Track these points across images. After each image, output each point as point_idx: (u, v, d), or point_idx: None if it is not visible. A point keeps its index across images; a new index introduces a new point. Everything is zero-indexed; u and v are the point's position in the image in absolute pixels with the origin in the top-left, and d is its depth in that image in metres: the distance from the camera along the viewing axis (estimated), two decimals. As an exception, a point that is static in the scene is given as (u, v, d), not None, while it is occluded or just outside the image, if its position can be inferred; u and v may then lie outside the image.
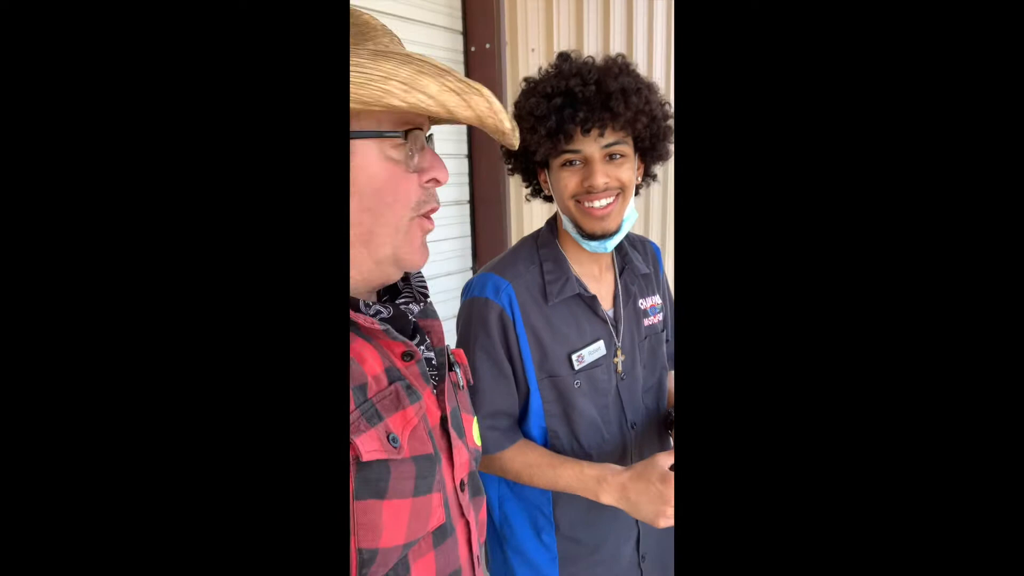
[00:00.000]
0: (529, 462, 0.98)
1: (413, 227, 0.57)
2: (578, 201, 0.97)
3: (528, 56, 2.64)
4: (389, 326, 0.58)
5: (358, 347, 0.57)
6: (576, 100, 0.92)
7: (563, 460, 0.97)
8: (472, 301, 1.01)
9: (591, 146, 0.94)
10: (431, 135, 0.59)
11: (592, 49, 3.02)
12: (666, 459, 0.90)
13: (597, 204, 0.96)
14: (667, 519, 0.88)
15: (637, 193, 1.09)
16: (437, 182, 0.57)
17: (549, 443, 1.04)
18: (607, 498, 0.91)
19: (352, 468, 0.52)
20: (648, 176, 1.08)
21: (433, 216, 0.60)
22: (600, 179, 0.94)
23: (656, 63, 3.68)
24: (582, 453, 1.04)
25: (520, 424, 1.05)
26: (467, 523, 0.66)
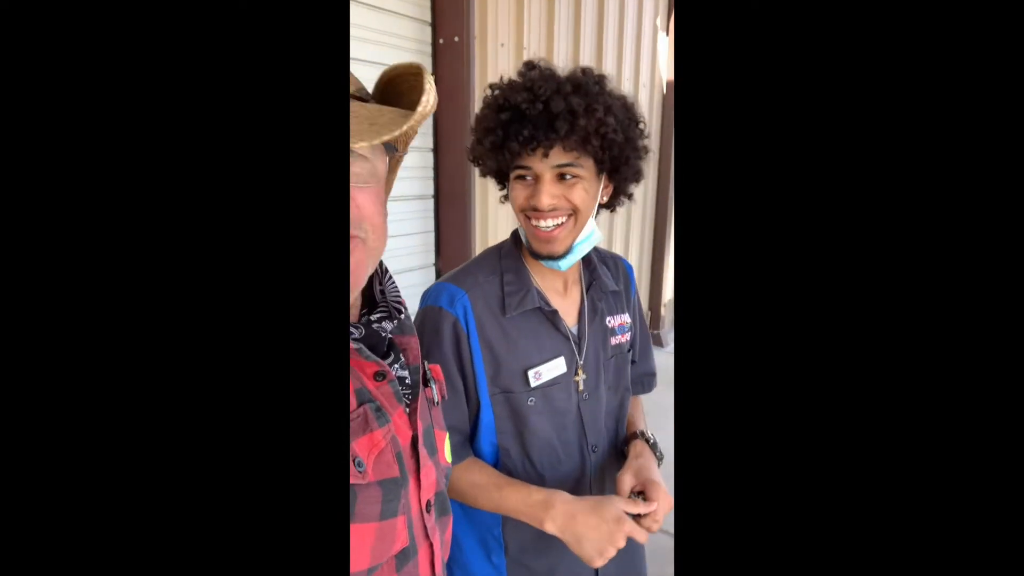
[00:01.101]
0: (475, 482, 0.95)
1: None
2: (527, 217, 0.95)
3: (497, 51, 2.59)
4: (362, 345, 0.57)
5: None
6: (523, 117, 0.89)
7: (510, 482, 0.94)
8: (426, 310, 0.97)
9: (540, 164, 0.91)
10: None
11: (562, 46, 2.98)
12: (621, 503, 0.87)
13: (543, 225, 0.93)
14: (604, 559, 0.85)
15: (612, 209, 1.06)
16: None
17: (500, 461, 1.01)
18: (551, 525, 0.87)
19: None
20: (621, 195, 1.04)
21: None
22: (544, 199, 0.90)
23: (625, 62, 3.68)
24: (535, 474, 1.01)
25: (471, 440, 1.01)
26: (431, 545, 0.65)
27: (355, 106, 0.53)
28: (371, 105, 0.56)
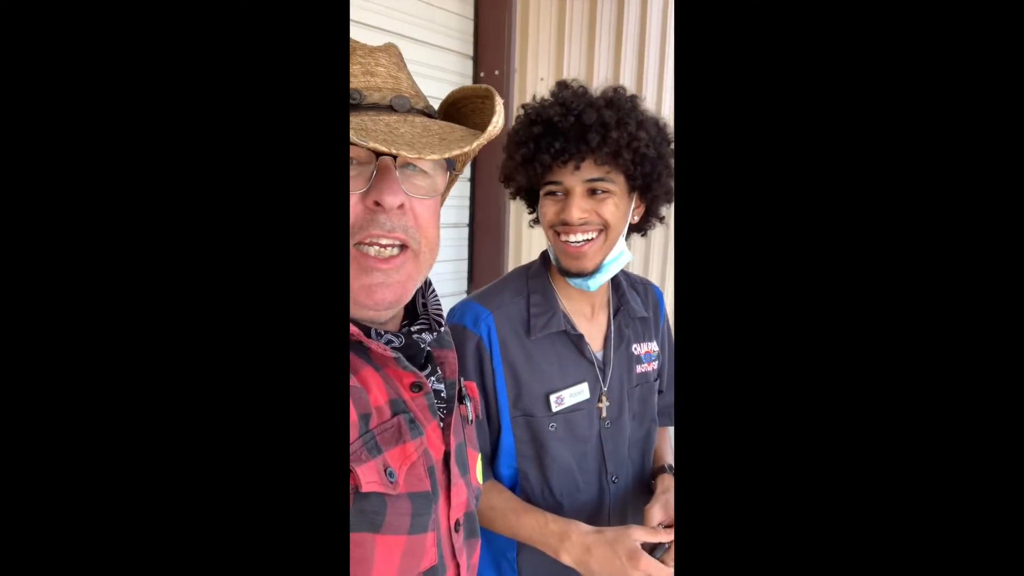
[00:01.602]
0: (492, 505, 0.93)
1: (356, 258, 0.55)
2: (557, 233, 0.94)
3: (537, 84, 2.64)
4: (400, 355, 0.57)
5: (365, 375, 0.56)
6: (555, 130, 0.89)
7: (527, 508, 0.92)
8: (451, 328, 0.97)
9: (571, 178, 0.91)
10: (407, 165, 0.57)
11: (602, 80, 3.02)
12: (639, 533, 0.84)
13: (572, 239, 0.92)
14: None
15: (643, 233, 1.05)
16: (378, 205, 0.54)
17: (519, 485, 0.99)
18: (566, 557, 0.85)
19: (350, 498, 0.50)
20: (653, 216, 1.03)
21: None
22: (575, 213, 0.90)
23: (666, 95, 3.69)
24: (552, 501, 0.98)
25: (491, 462, 1.00)
26: (457, 566, 0.63)
27: (427, 122, 0.56)
28: (442, 122, 0.58)
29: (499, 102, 0.55)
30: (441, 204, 0.64)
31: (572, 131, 0.88)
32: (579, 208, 0.90)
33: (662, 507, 0.92)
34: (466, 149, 0.51)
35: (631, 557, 0.80)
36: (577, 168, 0.90)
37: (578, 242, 0.92)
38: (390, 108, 0.55)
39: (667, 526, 0.90)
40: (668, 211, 1.03)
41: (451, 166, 0.61)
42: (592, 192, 0.91)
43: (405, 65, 0.62)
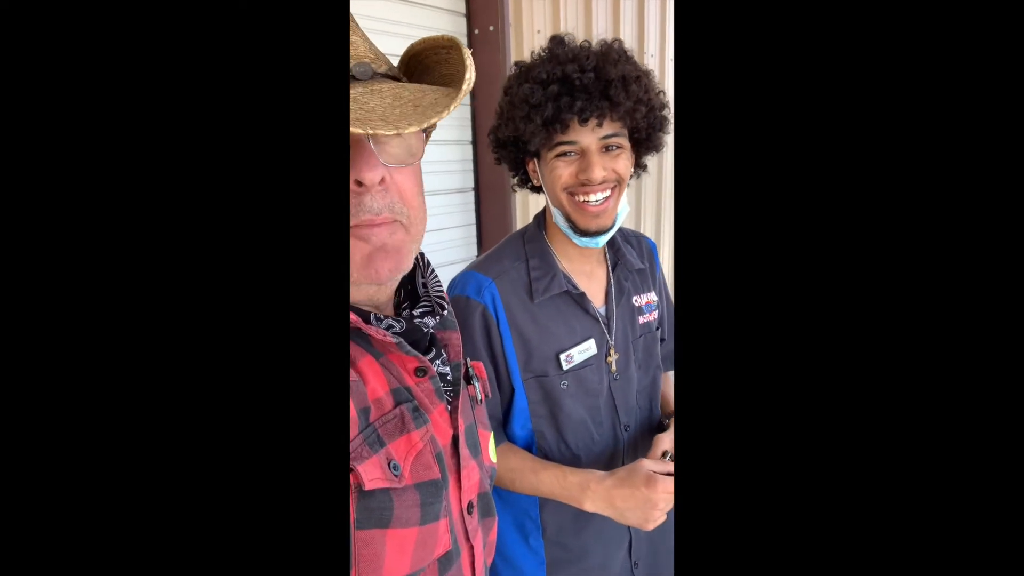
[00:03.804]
0: (511, 467, 0.94)
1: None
2: (571, 194, 0.92)
3: (533, 38, 2.57)
4: (402, 340, 0.55)
5: (362, 366, 0.54)
6: (573, 88, 0.87)
7: (545, 465, 0.93)
8: (454, 300, 0.97)
9: (588, 137, 0.89)
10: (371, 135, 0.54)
11: (601, 33, 2.92)
12: (648, 464, 0.86)
13: (593, 199, 0.91)
14: (655, 522, 0.84)
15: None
16: (359, 184, 0.50)
17: (536, 444, 1.00)
18: (591, 506, 0.87)
19: (354, 497, 0.49)
20: (638, 167, 1.03)
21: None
22: (598, 172, 0.89)
23: (668, 48, 3.58)
24: (570, 455, 1.00)
25: (504, 425, 1.01)
26: (472, 548, 0.63)
27: (396, 88, 0.52)
28: (411, 86, 0.54)
29: (467, 53, 0.52)
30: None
31: (594, 88, 0.86)
32: (601, 167, 0.89)
33: (670, 439, 0.94)
34: (444, 115, 0.47)
35: (648, 484, 0.82)
36: (599, 124, 0.89)
37: (598, 201, 0.91)
38: (352, 77, 0.51)
39: (672, 456, 0.92)
40: (651, 160, 1.04)
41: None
42: (606, 149, 0.91)
43: (358, 25, 0.57)
